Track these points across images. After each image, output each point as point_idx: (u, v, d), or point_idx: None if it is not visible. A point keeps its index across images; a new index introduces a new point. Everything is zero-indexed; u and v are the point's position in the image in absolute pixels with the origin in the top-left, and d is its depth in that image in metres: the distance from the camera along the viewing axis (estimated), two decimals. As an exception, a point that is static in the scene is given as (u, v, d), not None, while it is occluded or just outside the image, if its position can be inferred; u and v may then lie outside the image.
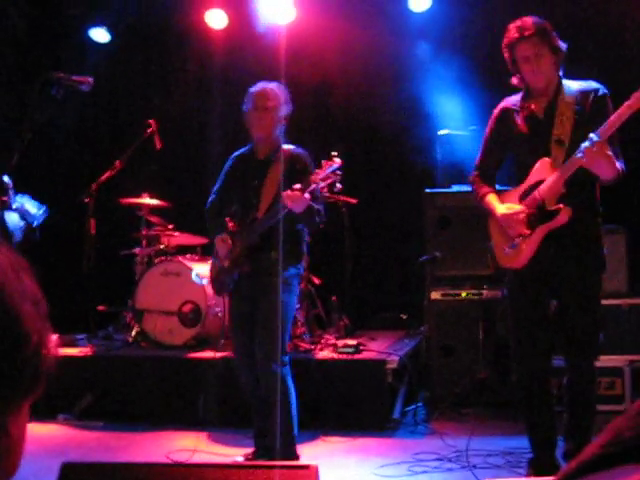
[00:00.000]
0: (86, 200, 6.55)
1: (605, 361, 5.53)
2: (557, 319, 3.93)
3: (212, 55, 8.21)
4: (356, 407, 5.49)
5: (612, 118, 3.43)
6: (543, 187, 3.69)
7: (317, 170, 4.17)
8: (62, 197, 7.75)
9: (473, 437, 4.95)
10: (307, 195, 4.09)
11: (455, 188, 6.20)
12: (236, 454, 4.68)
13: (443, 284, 6.02)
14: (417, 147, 7.47)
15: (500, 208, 3.85)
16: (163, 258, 6.66)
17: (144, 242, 7.04)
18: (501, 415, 5.55)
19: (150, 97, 8.50)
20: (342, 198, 6.65)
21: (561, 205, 3.65)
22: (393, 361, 5.61)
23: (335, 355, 5.75)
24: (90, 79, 4.24)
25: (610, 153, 3.45)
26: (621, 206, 6.25)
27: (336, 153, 4.17)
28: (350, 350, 5.77)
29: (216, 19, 7.82)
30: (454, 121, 6.72)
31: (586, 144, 3.43)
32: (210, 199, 4.71)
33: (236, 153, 4.72)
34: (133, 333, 6.54)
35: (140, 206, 6.93)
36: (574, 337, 3.83)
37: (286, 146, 4.56)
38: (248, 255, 4.39)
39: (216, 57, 8.21)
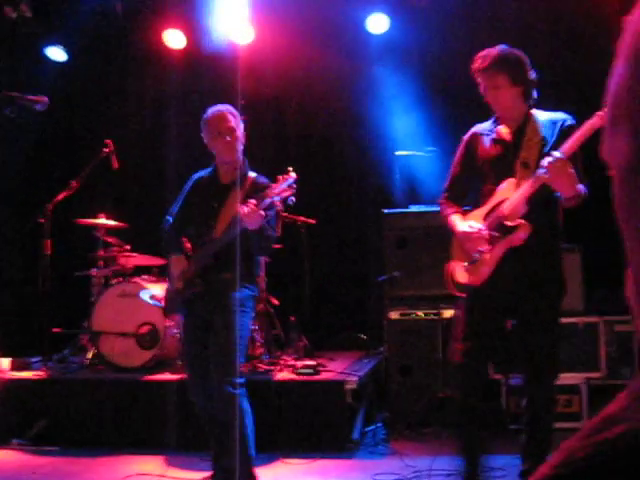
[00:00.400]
0: (42, 220, 6.47)
1: (562, 379, 5.56)
2: (516, 339, 3.94)
3: (170, 75, 8.20)
4: (315, 428, 5.46)
5: (574, 136, 3.46)
6: (506, 205, 3.71)
7: (272, 184, 4.14)
8: (17, 217, 7.65)
9: (433, 457, 4.95)
10: (262, 212, 4.06)
11: (413, 208, 6.23)
12: (194, 478, 4.62)
13: (402, 304, 6.03)
14: (375, 167, 7.53)
15: (460, 225, 3.88)
16: (120, 279, 6.58)
17: (101, 263, 6.97)
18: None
19: (107, 117, 8.44)
20: (300, 218, 6.66)
21: (521, 221, 3.66)
22: (352, 382, 5.60)
23: (294, 376, 5.72)
24: (45, 98, 4.18)
25: (572, 171, 3.46)
26: (576, 225, 6.34)
27: (291, 168, 4.13)
28: (309, 371, 5.76)
29: (174, 39, 7.82)
30: (412, 142, 6.77)
31: (549, 159, 3.46)
32: (168, 221, 4.64)
33: (197, 176, 4.66)
34: (89, 355, 6.45)
35: (97, 227, 6.86)
36: (534, 358, 3.83)
37: (250, 174, 4.54)
38: (201, 276, 4.34)
39: (174, 77, 8.20)
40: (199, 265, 4.36)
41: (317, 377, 5.72)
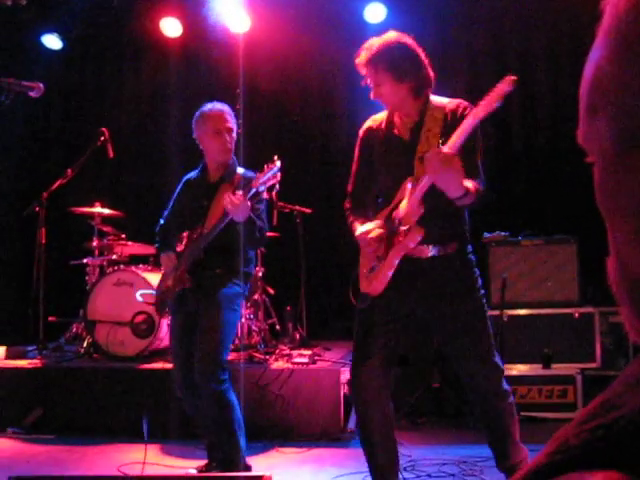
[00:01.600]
0: (37, 209, 6.45)
1: (557, 369, 5.60)
2: (446, 349, 3.71)
3: (167, 63, 8.18)
4: (311, 417, 5.47)
5: (459, 127, 3.14)
6: (402, 207, 3.36)
7: (258, 174, 4.07)
8: (12, 205, 7.63)
9: (427, 446, 4.97)
10: (247, 202, 4.00)
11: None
12: (189, 466, 4.62)
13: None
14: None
15: (358, 229, 3.54)
16: (116, 268, 6.57)
17: (96, 252, 6.96)
18: (455, 424, 5.58)
19: (103, 105, 8.42)
20: (296, 207, 6.65)
21: (412, 224, 3.30)
22: (348, 371, 5.60)
23: (290, 365, 5.72)
24: (40, 85, 4.16)
25: (458, 166, 3.03)
26: (571, 216, 6.36)
27: (276, 156, 4.05)
28: (305, 360, 5.76)
29: (171, 27, 7.79)
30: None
31: (428, 154, 3.10)
32: (160, 223, 4.66)
33: (187, 177, 4.64)
34: (84, 344, 6.44)
35: (92, 215, 6.85)
36: (467, 365, 3.51)
37: (238, 170, 4.50)
38: (192, 271, 4.31)
39: (170, 65, 8.18)
40: (189, 261, 4.33)
41: (313, 367, 5.72)
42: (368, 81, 3.53)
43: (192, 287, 4.30)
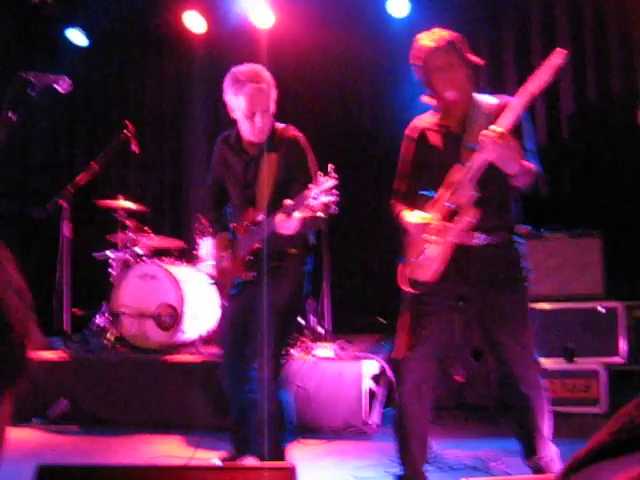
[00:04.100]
0: (62, 202, 6.52)
1: (580, 363, 5.57)
2: (486, 340, 3.73)
3: (191, 58, 8.22)
4: (334, 410, 5.48)
5: (509, 106, 3.27)
6: (455, 191, 3.48)
7: (311, 185, 3.74)
8: (38, 199, 7.70)
9: (450, 439, 4.97)
10: (296, 217, 3.74)
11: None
12: (214, 457, 4.65)
13: (420, 287, 6.01)
14: (396, 150, 7.49)
15: (410, 217, 3.63)
16: (140, 261, 6.62)
17: (120, 245, 7.01)
18: (477, 417, 5.58)
19: (128, 99, 8.48)
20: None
21: (466, 204, 3.42)
22: (371, 364, 5.62)
23: (312, 358, 5.74)
24: (66, 78, 4.20)
25: (513, 144, 3.23)
26: (596, 209, 6.32)
27: (333, 166, 3.82)
28: (327, 353, 5.77)
29: (195, 23, 7.82)
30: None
31: (485, 132, 3.24)
32: (208, 188, 4.42)
33: (222, 137, 4.30)
34: (109, 336, 6.49)
35: (117, 209, 6.90)
36: (507, 355, 3.59)
37: (277, 126, 4.16)
38: (252, 263, 4.04)
39: (195, 60, 8.21)
40: (246, 250, 4.05)
41: (336, 360, 5.73)
42: (432, 69, 3.59)
43: (254, 277, 4.04)
